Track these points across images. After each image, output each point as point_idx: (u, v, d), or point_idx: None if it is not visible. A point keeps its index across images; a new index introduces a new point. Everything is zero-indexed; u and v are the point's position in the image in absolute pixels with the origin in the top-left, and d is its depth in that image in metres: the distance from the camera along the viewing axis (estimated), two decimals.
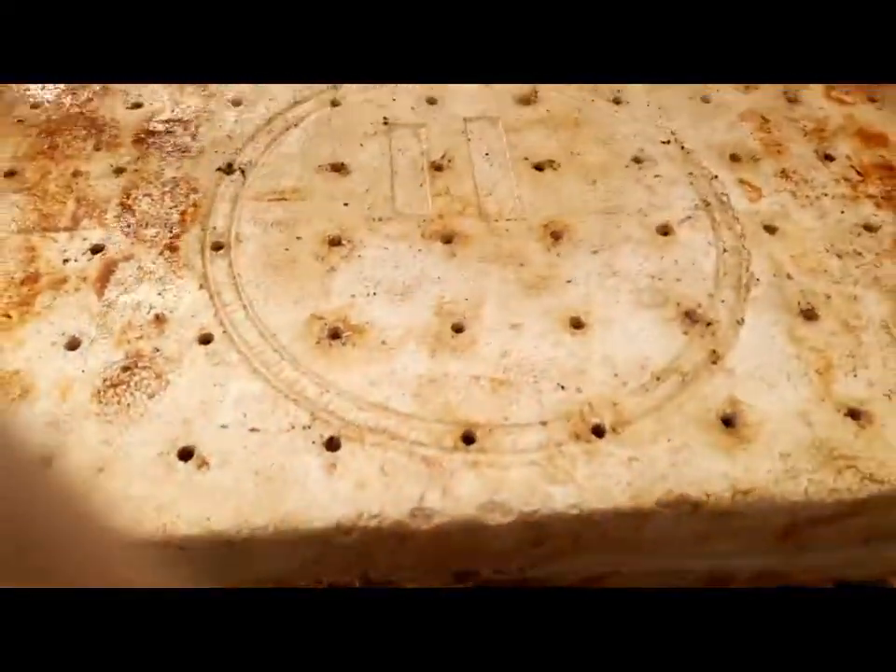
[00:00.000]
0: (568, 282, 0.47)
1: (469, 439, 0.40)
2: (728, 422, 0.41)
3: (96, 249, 0.46)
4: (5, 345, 0.41)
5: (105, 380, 0.40)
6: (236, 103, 0.56)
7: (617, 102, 0.59)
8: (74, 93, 0.55)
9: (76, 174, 0.50)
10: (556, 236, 0.50)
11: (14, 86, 0.56)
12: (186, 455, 0.38)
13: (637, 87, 0.61)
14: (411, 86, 0.59)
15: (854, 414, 0.42)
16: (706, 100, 0.61)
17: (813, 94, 0.62)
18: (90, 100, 0.55)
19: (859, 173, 0.56)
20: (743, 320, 0.46)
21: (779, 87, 0.62)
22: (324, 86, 0.58)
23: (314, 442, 0.39)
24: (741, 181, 0.54)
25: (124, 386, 0.40)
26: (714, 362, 0.44)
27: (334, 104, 0.57)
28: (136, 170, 0.51)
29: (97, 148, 0.52)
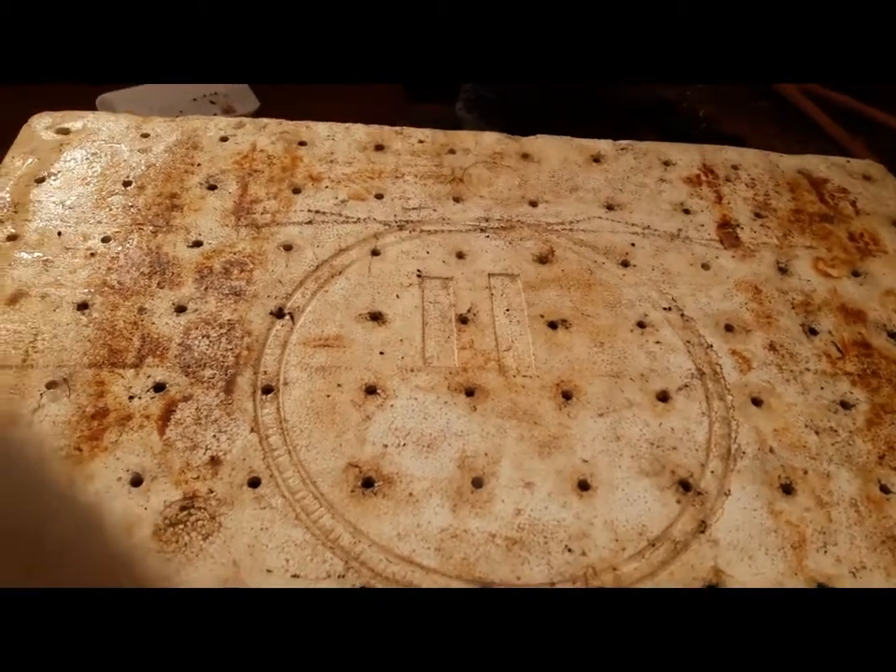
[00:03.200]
0: (577, 444, 0.53)
1: None
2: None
3: (158, 387, 0.51)
4: (76, 478, 0.46)
5: (165, 518, 0.45)
6: (287, 247, 0.62)
7: (625, 265, 0.66)
8: (140, 228, 0.61)
9: (141, 311, 0.56)
10: (567, 395, 0.56)
11: (87, 213, 0.62)
12: None
13: (646, 251, 0.68)
14: (442, 238, 0.66)
15: (822, 588, 0.48)
16: (705, 266, 0.67)
17: (802, 265, 0.69)
18: (153, 235, 0.61)
19: (839, 349, 0.62)
20: (730, 491, 0.52)
21: (773, 255, 0.70)
22: (366, 234, 0.65)
23: None
24: (733, 352, 0.61)
25: (182, 526, 0.45)
26: (702, 532, 0.49)
27: (374, 253, 0.63)
28: (196, 309, 0.56)
29: (160, 286, 0.57)
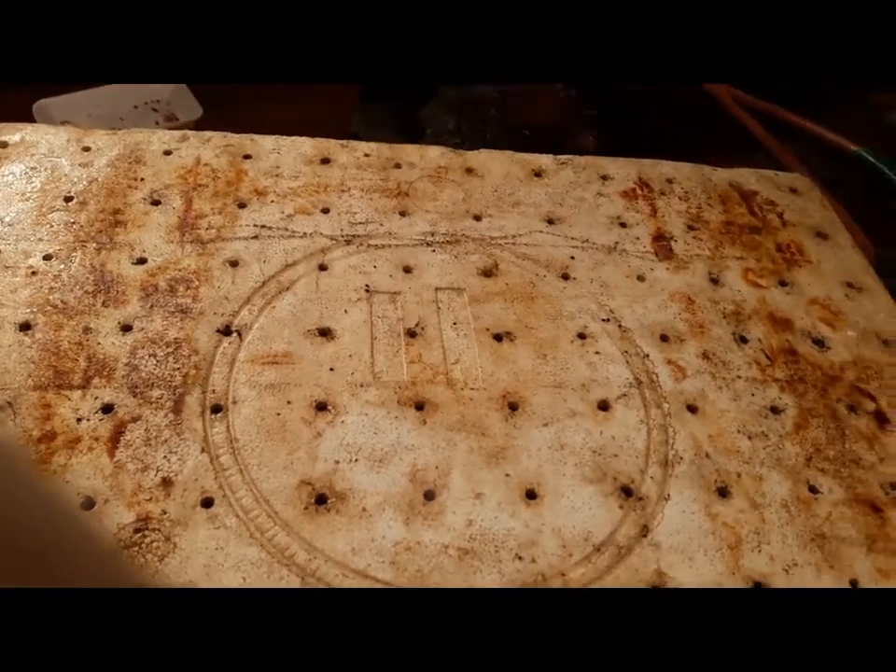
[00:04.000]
0: (524, 453, 0.55)
1: None
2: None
3: (107, 409, 0.51)
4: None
5: (119, 541, 0.45)
6: (233, 263, 0.62)
7: (566, 277, 0.69)
8: (83, 245, 0.60)
9: (86, 330, 0.55)
10: (513, 406, 0.58)
11: (27, 231, 0.61)
12: None
13: (585, 263, 0.70)
14: (389, 253, 0.67)
15: (758, 587, 0.51)
16: (641, 278, 0.70)
17: (733, 275, 0.73)
18: (97, 252, 0.60)
19: (768, 357, 0.66)
20: (669, 496, 0.54)
21: (706, 267, 0.73)
22: (313, 249, 0.65)
23: None
24: (669, 361, 0.64)
25: (136, 548, 0.45)
26: (644, 535, 0.52)
27: (322, 268, 0.64)
28: (142, 328, 0.56)
29: (105, 305, 0.57)
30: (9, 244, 0.60)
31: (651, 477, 0.55)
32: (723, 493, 0.55)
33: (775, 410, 0.62)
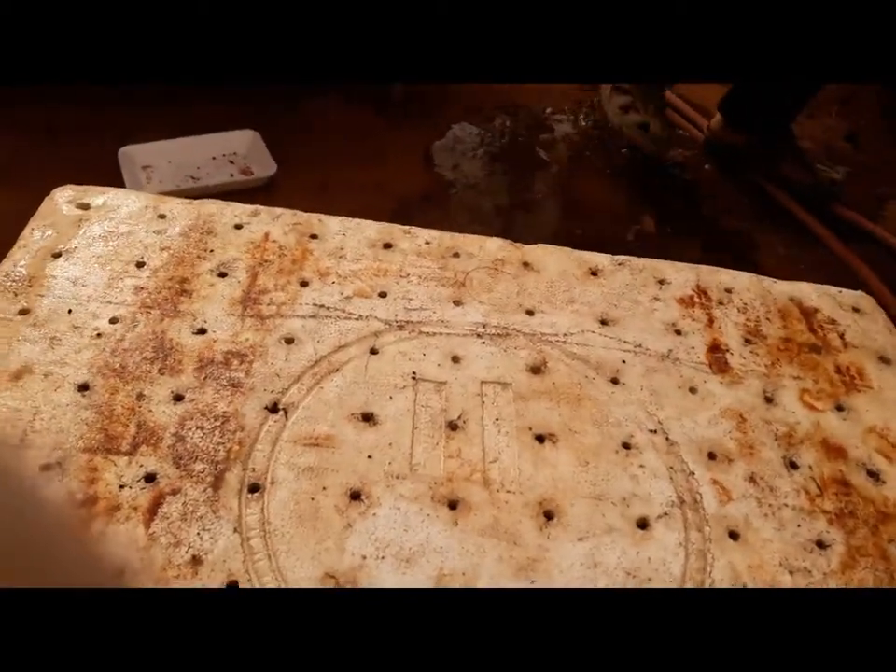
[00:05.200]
0: (555, 569, 0.53)
1: None
2: None
3: (149, 478, 0.52)
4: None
5: None
6: (289, 340, 0.64)
7: (615, 382, 0.68)
8: (148, 311, 0.63)
9: (140, 396, 0.57)
10: (549, 515, 0.57)
11: (98, 293, 0.63)
12: None
13: (636, 369, 0.69)
14: (440, 341, 0.68)
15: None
16: (693, 390, 0.69)
17: (788, 395, 0.71)
18: (160, 319, 0.63)
19: (818, 486, 0.64)
20: None
21: (761, 384, 0.71)
22: (367, 332, 0.66)
23: None
24: (714, 481, 0.62)
25: None
26: None
27: (373, 352, 0.65)
28: (193, 399, 0.58)
29: (161, 372, 0.59)
30: (80, 304, 0.63)
31: None
32: None
33: (821, 544, 0.59)
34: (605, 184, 1.51)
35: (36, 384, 0.56)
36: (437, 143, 1.54)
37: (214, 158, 1.40)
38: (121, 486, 0.51)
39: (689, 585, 0.54)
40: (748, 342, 0.76)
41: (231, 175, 1.36)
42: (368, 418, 0.60)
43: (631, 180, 1.51)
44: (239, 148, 1.41)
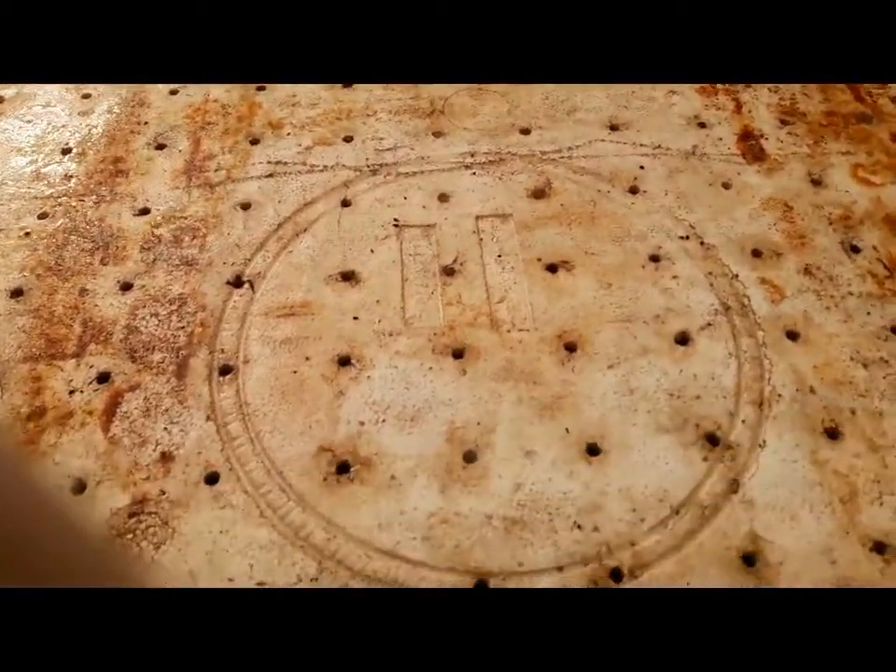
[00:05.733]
0: (584, 402, 0.46)
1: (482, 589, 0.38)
2: (749, 561, 0.40)
3: (102, 378, 0.46)
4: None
5: (111, 528, 0.40)
6: (244, 206, 0.55)
7: (633, 191, 0.58)
8: (81, 199, 0.55)
9: (82, 292, 0.49)
10: (571, 348, 0.49)
11: (21, 189, 0.55)
12: None
13: (657, 173, 0.59)
14: (422, 180, 0.58)
15: (880, 548, 0.40)
16: (726, 185, 0.59)
17: (839, 173, 0.60)
18: (96, 206, 0.55)
19: (886, 267, 0.54)
20: (765, 443, 0.44)
21: (804, 166, 0.60)
22: (335, 183, 0.57)
23: None
24: (763, 280, 0.52)
25: (131, 535, 0.39)
26: (734, 492, 0.42)
27: (344, 204, 0.56)
28: (143, 286, 0.50)
29: (104, 263, 0.51)
30: (2, 204, 0.55)
31: (743, 420, 0.45)
32: (833, 434, 0.45)
33: None
34: None
35: None
36: None
37: None
38: (71, 392, 0.45)
39: (745, 397, 0.46)
40: (784, 122, 0.64)
41: None
42: (348, 277, 0.52)
43: None
44: None
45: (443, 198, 0.57)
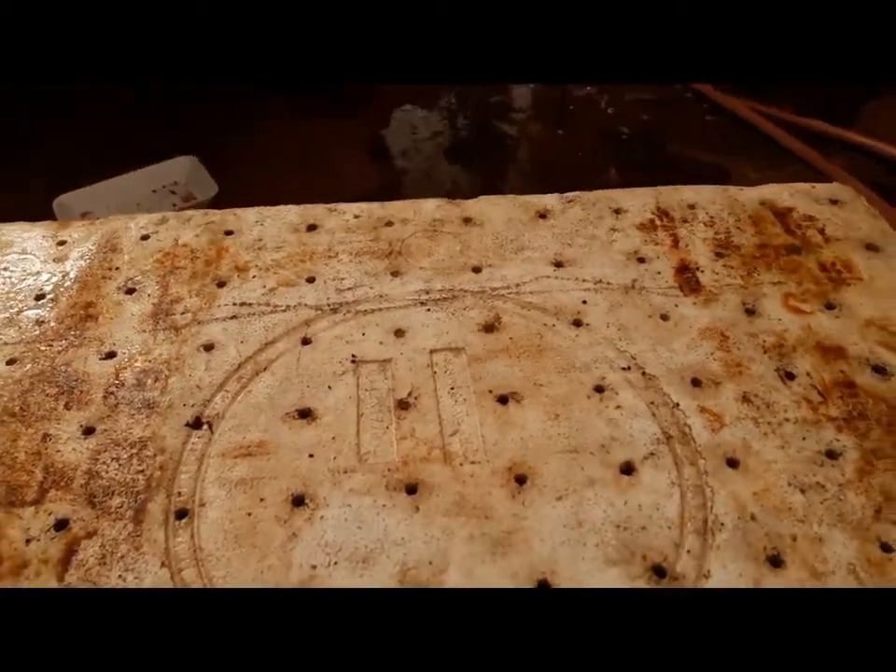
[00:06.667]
0: (534, 537, 0.47)
1: None
2: None
3: (60, 525, 0.46)
4: None
5: None
6: (208, 347, 0.58)
7: (577, 324, 0.61)
8: (50, 343, 0.57)
9: (45, 437, 0.51)
10: (521, 480, 0.50)
11: None
12: None
13: (600, 307, 0.63)
14: (380, 317, 0.61)
15: None
16: (665, 317, 0.62)
17: (771, 302, 0.64)
18: (64, 351, 0.57)
19: (820, 392, 0.57)
20: (710, 573, 0.45)
21: (738, 297, 0.65)
22: (296, 322, 0.60)
23: None
24: (702, 409, 0.55)
25: None
26: None
27: (305, 342, 0.59)
28: (105, 430, 0.52)
29: (68, 407, 0.53)
30: None
31: (688, 551, 0.46)
32: (776, 562, 0.46)
33: (832, 454, 0.52)
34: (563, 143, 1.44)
35: None
36: (384, 131, 1.48)
37: (154, 191, 1.35)
38: (28, 540, 0.45)
39: (688, 527, 0.47)
40: (719, 255, 0.69)
41: (174, 206, 1.31)
42: (305, 414, 0.53)
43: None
44: (178, 177, 1.35)
45: (399, 333, 0.60)
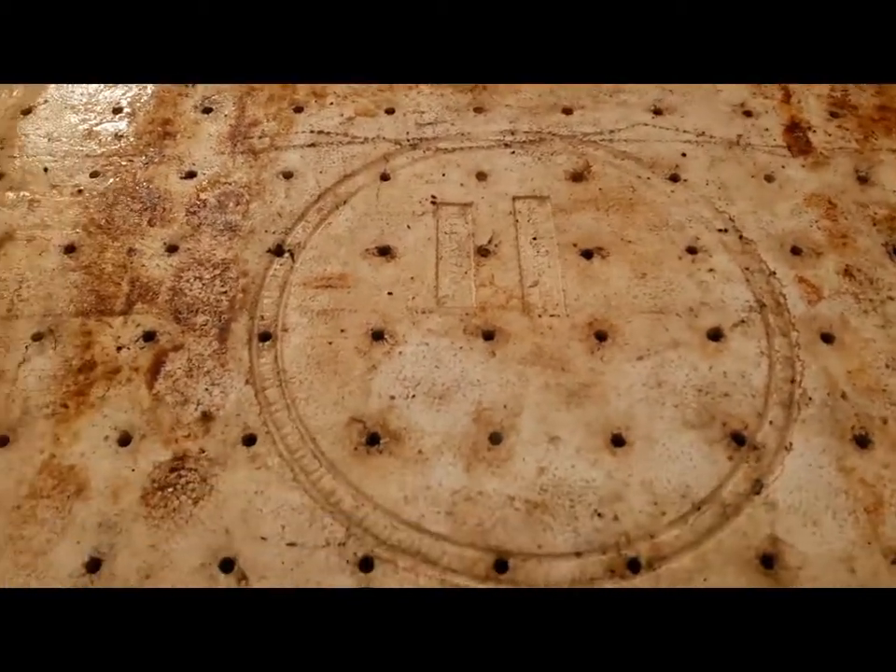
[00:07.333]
0: (611, 392, 0.46)
1: (501, 567, 0.40)
2: (768, 563, 0.41)
3: (148, 336, 0.47)
4: (62, 437, 0.43)
5: (153, 481, 0.42)
6: (287, 175, 0.56)
7: (674, 179, 0.58)
8: (131, 159, 0.56)
9: (130, 251, 0.51)
10: (601, 337, 0.49)
11: (74, 146, 0.57)
12: (227, 566, 0.39)
13: (699, 161, 0.59)
14: (461, 157, 0.58)
15: None
16: (769, 178, 0.58)
17: (888, 172, 0.59)
18: (145, 167, 0.56)
19: None
20: (791, 445, 0.45)
21: (852, 162, 0.60)
22: (375, 156, 0.58)
23: (347, 561, 0.40)
24: (800, 279, 0.52)
25: (171, 489, 0.41)
26: (757, 493, 0.43)
27: (384, 178, 0.57)
28: (188, 249, 0.51)
29: (151, 224, 0.53)
30: (56, 160, 0.56)
31: (771, 422, 0.45)
32: (863, 442, 0.45)
33: None
34: None
35: (19, 250, 0.51)
36: None
37: None
38: (119, 348, 0.46)
39: (774, 398, 0.46)
40: (834, 115, 0.63)
41: None
42: (385, 252, 0.52)
43: None
44: None
45: (481, 176, 0.58)
